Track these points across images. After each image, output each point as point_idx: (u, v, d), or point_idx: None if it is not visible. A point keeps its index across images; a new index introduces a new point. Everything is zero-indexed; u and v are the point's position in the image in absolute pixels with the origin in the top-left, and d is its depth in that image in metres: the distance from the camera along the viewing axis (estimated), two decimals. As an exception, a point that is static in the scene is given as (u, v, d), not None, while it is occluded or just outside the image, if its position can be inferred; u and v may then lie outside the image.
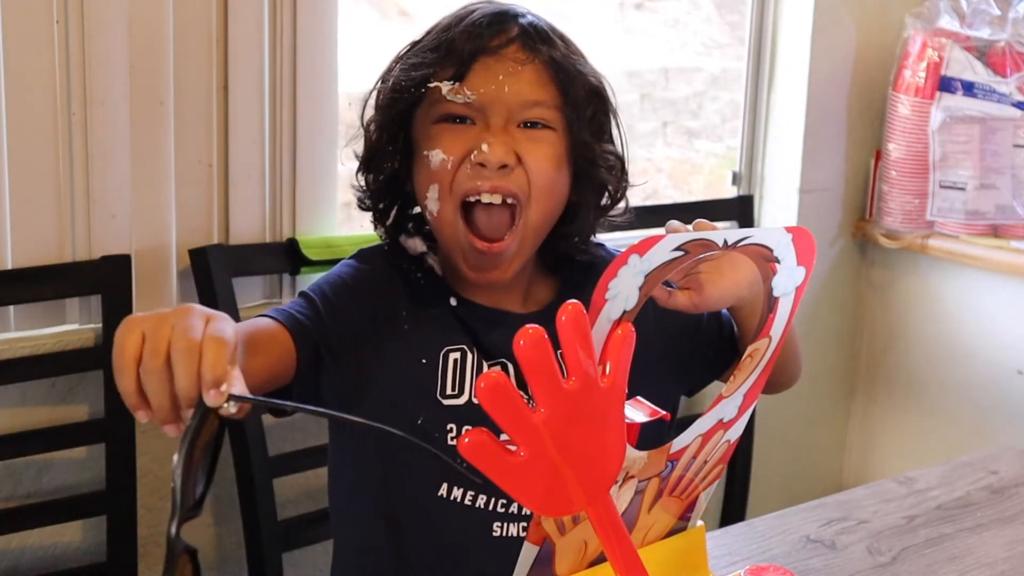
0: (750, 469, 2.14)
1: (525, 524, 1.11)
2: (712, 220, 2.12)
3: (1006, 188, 2.12)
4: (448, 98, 1.09)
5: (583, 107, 1.12)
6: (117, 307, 1.48)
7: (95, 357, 1.49)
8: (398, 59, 1.16)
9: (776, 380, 1.09)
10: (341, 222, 1.71)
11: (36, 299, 1.47)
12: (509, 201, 1.10)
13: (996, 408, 2.17)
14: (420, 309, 1.15)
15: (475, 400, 1.10)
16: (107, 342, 1.48)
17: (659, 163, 2.33)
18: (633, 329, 0.77)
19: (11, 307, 1.46)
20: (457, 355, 1.13)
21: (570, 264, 1.20)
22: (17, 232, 1.43)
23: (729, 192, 2.26)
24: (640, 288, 0.77)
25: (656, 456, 0.88)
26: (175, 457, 0.72)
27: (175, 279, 1.56)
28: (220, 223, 1.59)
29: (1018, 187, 2.12)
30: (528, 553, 0.82)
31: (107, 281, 1.47)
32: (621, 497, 0.86)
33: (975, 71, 2.10)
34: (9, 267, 1.43)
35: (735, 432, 0.93)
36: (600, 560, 0.87)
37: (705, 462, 0.93)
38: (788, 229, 0.85)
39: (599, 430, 0.75)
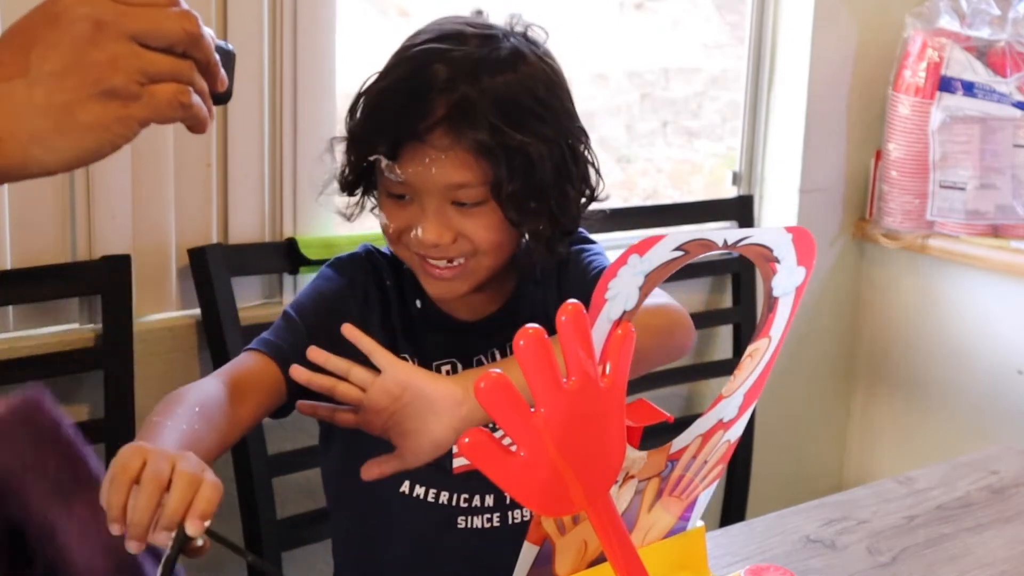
0: (750, 469, 2.14)
1: (488, 516, 1.16)
2: (712, 220, 2.15)
3: (1006, 188, 2.12)
4: (386, 174, 1.11)
5: (511, 182, 1.09)
6: (117, 307, 1.48)
7: (95, 357, 1.49)
8: (360, 96, 1.16)
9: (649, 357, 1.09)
10: (340, 222, 1.71)
11: (36, 299, 1.47)
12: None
13: (996, 408, 2.17)
14: (389, 315, 1.19)
15: None
16: (107, 342, 1.48)
17: (659, 163, 2.33)
18: (633, 329, 0.77)
19: (11, 307, 1.46)
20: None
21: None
22: (17, 232, 1.43)
23: (729, 192, 2.26)
24: (640, 288, 0.77)
25: (656, 456, 0.88)
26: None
27: (175, 279, 1.56)
28: (219, 223, 1.59)
29: (1018, 187, 2.12)
30: (528, 553, 0.82)
31: (107, 281, 1.47)
32: (621, 497, 0.86)
33: (975, 71, 2.10)
34: (9, 267, 1.43)
35: (735, 432, 0.93)
36: (600, 560, 0.87)
37: (705, 462, 0.93)
38: (788, 229, 0.85)
39: (599, 430, 0.75)
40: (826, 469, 2.44)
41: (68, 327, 1.50)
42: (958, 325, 2.23)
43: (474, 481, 1.13)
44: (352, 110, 1.16)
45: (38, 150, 0.75)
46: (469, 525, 1.16)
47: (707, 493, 0.95)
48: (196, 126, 0.80)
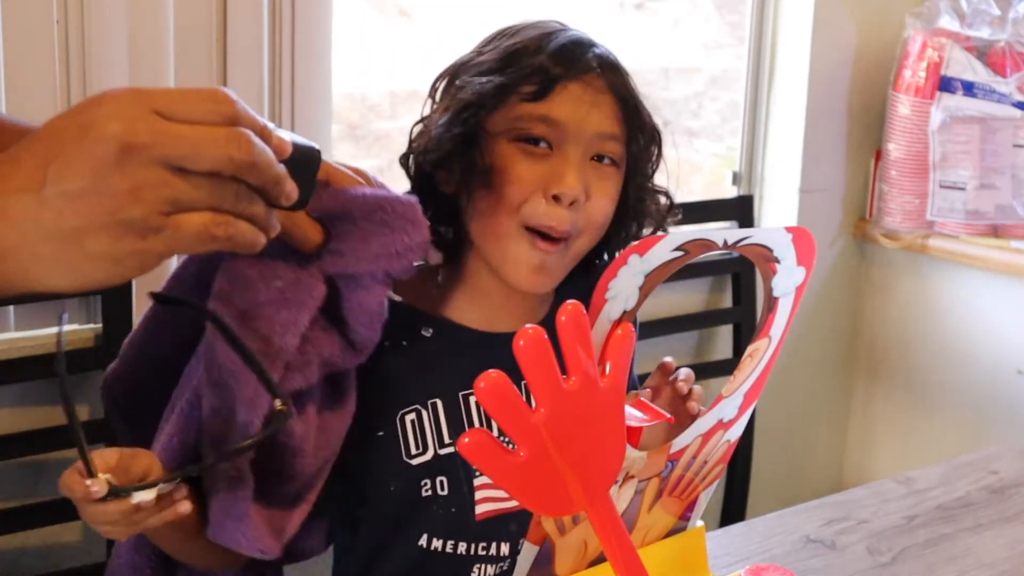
0: (750, 469, 2.14)
1: (503, 564, 1.11)
2: (712, 220, 2.15)
3: (1006, 188, 2.12)
4: (529, 115, 1.05)
5: (646, 146, 1.11)
6: (117, 307, 1.48)
7: (95, 357, 1.49)
8: (462, 65, 1.11)
9: None
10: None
11: (36, 299, 1.47)
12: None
13: (996, 408, 2.17)
14: (373, 369, 1.08)
15: (440, 451, 1.09)
16: (107, 342, 1.48)
17: (659, 163, 2.32)
18: (633, 329, 0.77)
19: (11, 307, 1.46)
20: (412, 416, 1.09)
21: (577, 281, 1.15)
22: (17, 232, 1.43)
23: (729, 192, 2.26)
24: (640, 288, 0.77)
25: (656, 456, 0.88)
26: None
27: (175, 279, 1.56)
28: (220, 223, 1.59)
29: (1018, 187, 2.12)
30: (528, 553, 0.82)
31: (107, 281, 1.47)
32: (621, 497, 0.86)
33: (975, 71, 2.10)
34: (9, 267, 1.43)
35: (735, 432, 0.93)
36: (600, 560, 0.87)
37: (705, 462, 0.93)
38: (788, 229, 0.85)
39: (599, 430, 0.75)
40: (826, 469, 2.44)
41: (68, 327, 1.50)
42: (958, 325, 2.23)
43: (495, 527, 1.10)
44: (453, 75, 1.11)
45: (40, 272, 0.68)
46: (483, 574, 1.11)
47: (707, 493, 0.95)
48: (241, 251, 0.71)
